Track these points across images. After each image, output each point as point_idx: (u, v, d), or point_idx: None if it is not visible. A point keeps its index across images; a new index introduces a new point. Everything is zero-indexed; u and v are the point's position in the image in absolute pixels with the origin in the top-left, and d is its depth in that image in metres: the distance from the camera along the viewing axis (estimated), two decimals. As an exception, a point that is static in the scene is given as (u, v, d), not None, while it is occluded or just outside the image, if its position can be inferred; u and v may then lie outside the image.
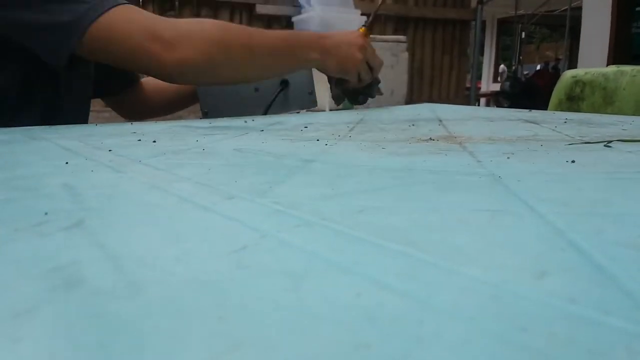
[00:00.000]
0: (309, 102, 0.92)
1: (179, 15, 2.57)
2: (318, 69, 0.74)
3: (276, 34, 0.68)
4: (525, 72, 6.61)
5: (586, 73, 1.17)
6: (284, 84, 0.91)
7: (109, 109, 0.85)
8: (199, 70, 0.59)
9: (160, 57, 0.56)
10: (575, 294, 0.11)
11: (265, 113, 0.84)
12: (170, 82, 0.67)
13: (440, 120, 0.61)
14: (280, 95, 0.90)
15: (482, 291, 0.12)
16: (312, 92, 0.92)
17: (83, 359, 0.09)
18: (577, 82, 1.18)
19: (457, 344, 0.09)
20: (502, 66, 6.75)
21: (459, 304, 0.11)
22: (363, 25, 0.82)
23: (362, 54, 0.72)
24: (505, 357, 0.09)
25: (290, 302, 0.11)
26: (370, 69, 0.75)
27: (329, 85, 0.89)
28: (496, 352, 0.09)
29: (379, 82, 0.82)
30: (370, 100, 0.89)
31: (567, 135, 0.44)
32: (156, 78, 0.63)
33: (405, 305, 0.11)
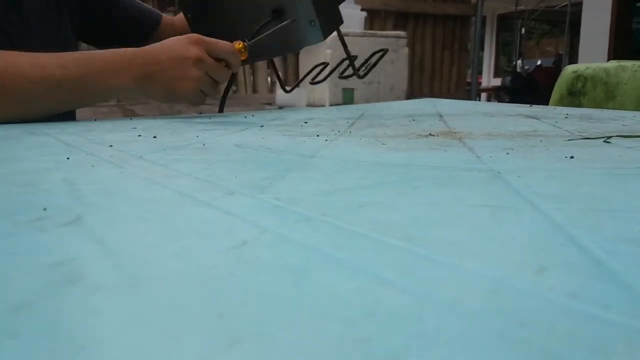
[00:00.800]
0: (312, 36, 0.69)
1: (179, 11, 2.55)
2: (140, 96, 0.60)
3: (61, 59, 0.51)
4: (526, 67, 6.60)
5: (587, 68, 1.17)
6: (277, 13, 0.67)
7: (107, 103, 0.83)
8: None
9: None
10: (575, 290, 0.11)
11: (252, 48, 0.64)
12: None
13: (441, 116, 0.61)
14: (276, 31, 0.66)
15: (481, 286, 0.12)
16: (314, 22, 0.67)
17: (82, 355, 0.09)
18: (578, 77, 1.18)
19: (457, 340, 0.09)
20: (518, 62, 6.71)
21: (458, 299, 0.11)
22: (243, 40, 0.62)
23: (199, 69, 0.55)
24: (505, 352, 0.09)
25: (290, 298, 0.11)
26: (215, 81, 0.59)
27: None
28: (496, 348, 0.09)
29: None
30: (369, 95, 0.81)
31: (566, 130, 0.44)
32: None
33: (405, 301, 0.11)
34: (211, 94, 0.59)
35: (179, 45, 0.55)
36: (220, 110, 0.72)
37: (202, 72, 0.56)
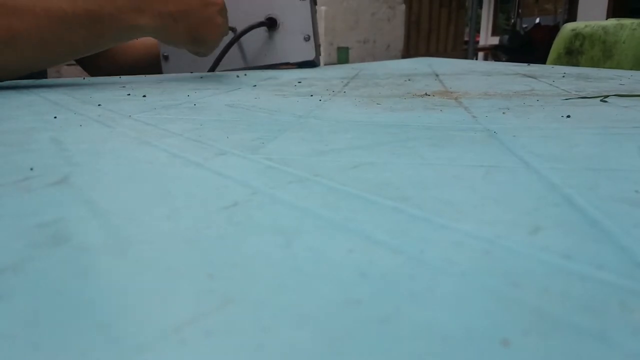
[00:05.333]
0: (304, 52, 0.72)
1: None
2: (159, 40, 0.54)
3: (80, 5, 0.44)
4: (524, 26, 6.49)
5: (586, 26, 1.15)
6: (270, 22, 0.71)
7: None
8: None
9: None
10: (569, 249, 0.11)
11: (214, 66, 0.68)
12: None
13: (437, 75, 0.60)
14: (265, 41, 0.71)
15: (475, 246, 0.12)
16: (309, 38, 0.72)
17: (68, 317, 0.09)
18: (577, 35, 1.16)
19: (449, 300, 0.09)
20: (517, 20, 6.55)
21: (451, 259, 0.11)
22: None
23: (223, 16, 0.55)
24: (498, 312, 0.09)
25: (281, 259, 0.11)
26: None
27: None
28: (489, 308, 0.09)
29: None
30: (365, 54, 0.81)
31: (564, 90, 0.44)
32: None
33: (397, 261, 0.11)
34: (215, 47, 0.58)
35: None
36: (214, 67, 0.70)
37: (225, 21, 0.54)
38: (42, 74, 0.64)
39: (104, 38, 0.47)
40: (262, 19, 0.72)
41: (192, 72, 0.70)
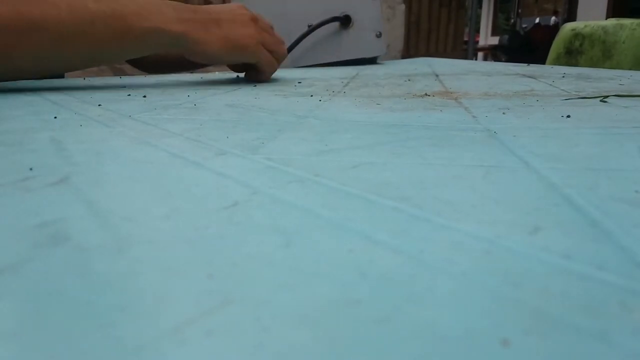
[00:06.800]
0: (376, 48, 0.79)
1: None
2: (185, 54, 0.47)
3: (104, 2, 0.41)
4: (523, 26, 6.50)
5: (586, 26, 1.15)
6: (345, 19, 0.77)
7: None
8: None
9: None
10: (569, 249, 0.11)
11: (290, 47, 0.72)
12: None
13: (437, 75, 0.60)
14: (338, 37, 0.78)
15: (475, 246, 0.12)
16: (380, 35, 0.79)
17: (69, 316, 0.09)
18: (576, 35, 1.16)
19: (449, 300, 0.09)
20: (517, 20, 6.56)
21: (451, 259, 0.11)
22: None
23: (255, 29, 0.49)
24: (498, 312, 0.09)
25: (281, 259, 0.11)
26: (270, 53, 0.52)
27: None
28: (489, 308, 0.09)
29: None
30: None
31: (563, 90, 0.44)
32: None
33: (397, 262, 0.11)
34: (270, 68, 0.52)
35: (231, 5, 0.50)
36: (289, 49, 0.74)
37: (257, 33, 0.50)
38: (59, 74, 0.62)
39: (128, 40, 0.43)
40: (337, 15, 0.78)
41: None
